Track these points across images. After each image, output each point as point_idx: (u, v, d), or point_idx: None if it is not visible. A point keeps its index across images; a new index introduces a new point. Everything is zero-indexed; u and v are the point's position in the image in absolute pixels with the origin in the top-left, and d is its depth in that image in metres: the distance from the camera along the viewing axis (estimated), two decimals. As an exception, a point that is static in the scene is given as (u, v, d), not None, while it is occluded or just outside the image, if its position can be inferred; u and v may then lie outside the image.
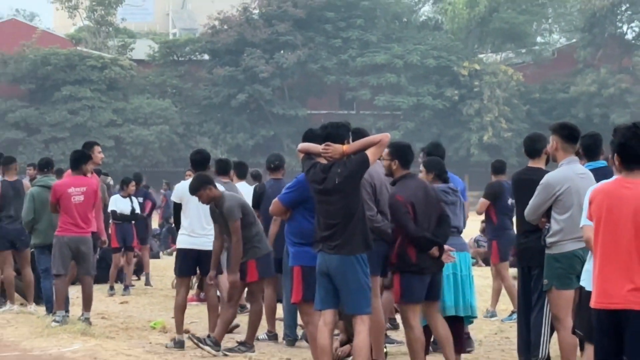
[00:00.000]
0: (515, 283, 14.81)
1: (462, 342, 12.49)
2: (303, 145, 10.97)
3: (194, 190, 13.63)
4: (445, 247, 11.16)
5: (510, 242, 15.93)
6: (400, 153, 10.84)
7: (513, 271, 15.54)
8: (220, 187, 14.57)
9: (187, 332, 14.53)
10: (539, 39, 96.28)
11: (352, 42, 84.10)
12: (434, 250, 10.85)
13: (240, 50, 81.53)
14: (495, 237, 17.02)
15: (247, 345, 13.98)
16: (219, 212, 13.64)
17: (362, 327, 10.18)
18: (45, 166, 18.85)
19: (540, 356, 11.02)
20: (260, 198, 15.78)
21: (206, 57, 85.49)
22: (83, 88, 76.87)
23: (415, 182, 11.24)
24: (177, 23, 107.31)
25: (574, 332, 8.85)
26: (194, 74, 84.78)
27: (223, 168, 17.31)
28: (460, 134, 79.82)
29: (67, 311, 16.49)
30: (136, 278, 25.32)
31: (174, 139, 76.96)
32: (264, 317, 15.01)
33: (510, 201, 16.52)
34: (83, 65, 78.21)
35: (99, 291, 20.39)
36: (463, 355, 12.27)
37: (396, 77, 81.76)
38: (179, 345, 13.87)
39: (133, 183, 25.01)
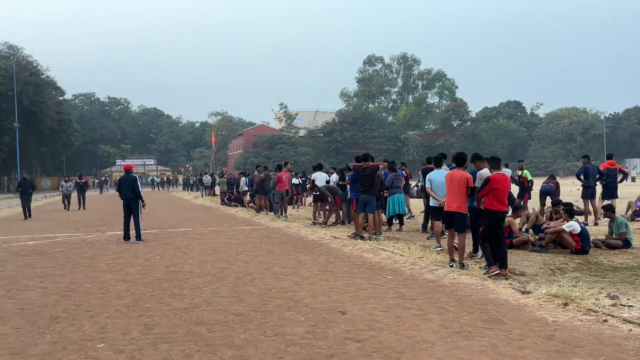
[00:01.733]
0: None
1: (403, 222, 15.17)
2: (354, 164, 13.50)
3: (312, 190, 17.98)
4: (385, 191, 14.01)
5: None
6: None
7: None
8: (324, 175, 18.68)
9: (316, 220, 17.09)
10: (426, 126, 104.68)
11: (367, 129, 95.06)
12: (383, 192, 13.81)
13: (332, 133, 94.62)
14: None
15: (337, 223, 16.46)
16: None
17: (372, 217, 12.71)
18: (278, 168, 20.90)
19: (427, 227, 13.81)
20: (342, 179, 17.02)
21: (322, 134, 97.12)
22: (284, 145, 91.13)
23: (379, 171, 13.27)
24: (312, 124, 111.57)
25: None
26: (318, 139, 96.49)
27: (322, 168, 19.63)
28: (401, 157, 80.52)
29: (281, 214, 19.60)
30: (301, 204, 26.80)
31: (312, 160, 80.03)
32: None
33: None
34: (283, 138, 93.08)
35: (289, 207, 21.54)
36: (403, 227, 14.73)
37: (381, 139, 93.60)
38: (313, 224, 16.35)
39: (298, 174, 28.81)
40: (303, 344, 5.46)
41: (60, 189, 30.48)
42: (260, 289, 8.05)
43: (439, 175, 10.81)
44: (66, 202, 29.11)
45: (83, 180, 31.32)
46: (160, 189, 71.77)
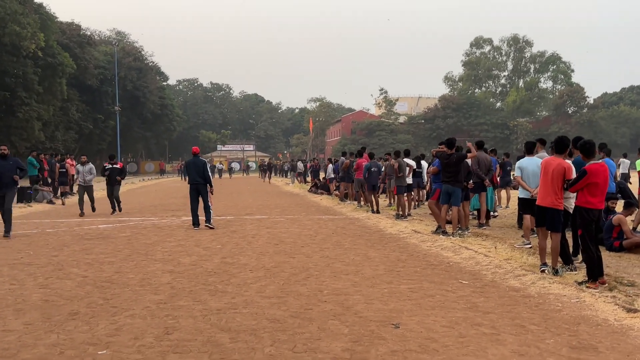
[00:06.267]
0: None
1: (489, 216, 13.95)
2: (437, 150, 12.99)
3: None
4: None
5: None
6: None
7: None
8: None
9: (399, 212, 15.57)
10: (538, 113, 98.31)
11: (473, 115, 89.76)
12: (468, 183, 12.57)
13: (434, 119, 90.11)
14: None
15: (408, 215, 15.21)
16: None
17: (455, 210, 11.76)
18: (358, 154, 20.36)
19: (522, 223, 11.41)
20: (418, 166, 17.33)
21: (422, 121, 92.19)
22: (382, 132, 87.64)
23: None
24: (414, 110, 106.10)
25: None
26: (418, 126, 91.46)
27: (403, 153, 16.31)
28: (509, 146, 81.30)
29: (362, 204, 18.55)
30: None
31: (409, 146, 72.19)
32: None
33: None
34: (382, 125, 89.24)
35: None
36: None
37: (488, 127, 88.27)
38: (398, 219, 14.19)
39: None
40: (334, 366, 4.55)
41: (76, 176, 18.50)
42: (311, 289, 7.26)
43: (530, 163, 9.79)
44: (83, 202, 17.65)
45: (117, 166, 18.20)
46: (228, 176, 64.82)
